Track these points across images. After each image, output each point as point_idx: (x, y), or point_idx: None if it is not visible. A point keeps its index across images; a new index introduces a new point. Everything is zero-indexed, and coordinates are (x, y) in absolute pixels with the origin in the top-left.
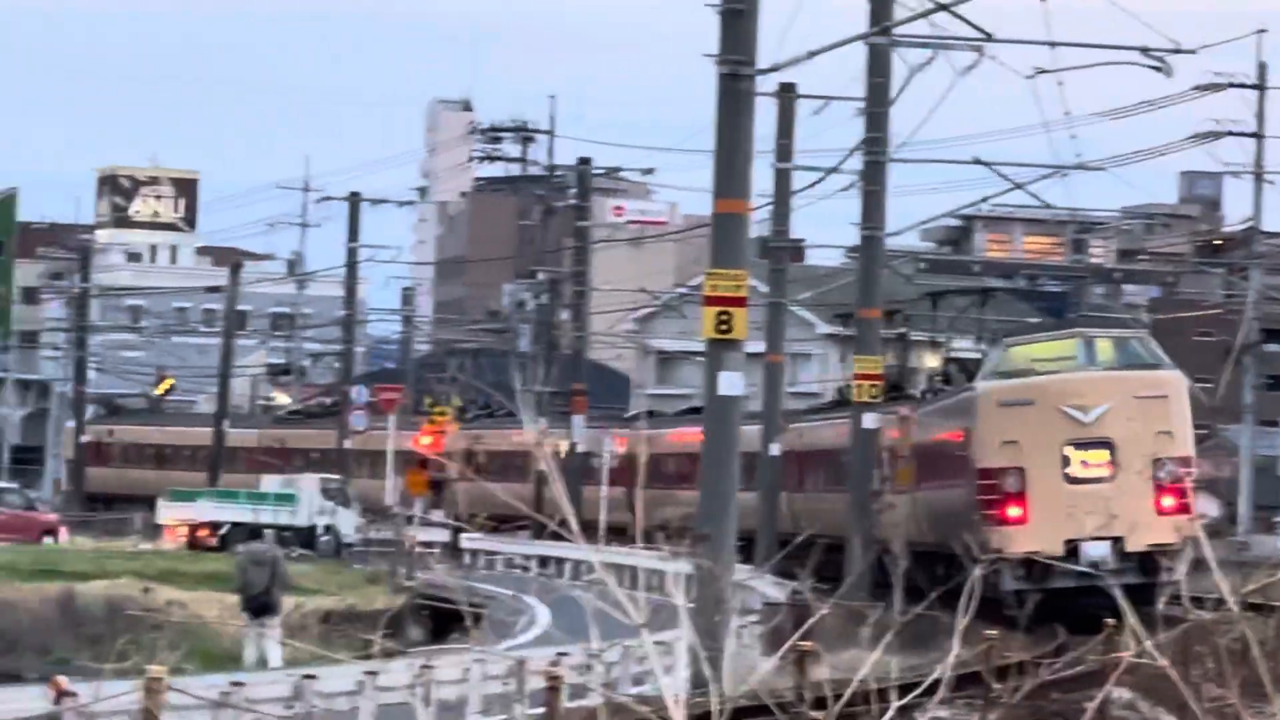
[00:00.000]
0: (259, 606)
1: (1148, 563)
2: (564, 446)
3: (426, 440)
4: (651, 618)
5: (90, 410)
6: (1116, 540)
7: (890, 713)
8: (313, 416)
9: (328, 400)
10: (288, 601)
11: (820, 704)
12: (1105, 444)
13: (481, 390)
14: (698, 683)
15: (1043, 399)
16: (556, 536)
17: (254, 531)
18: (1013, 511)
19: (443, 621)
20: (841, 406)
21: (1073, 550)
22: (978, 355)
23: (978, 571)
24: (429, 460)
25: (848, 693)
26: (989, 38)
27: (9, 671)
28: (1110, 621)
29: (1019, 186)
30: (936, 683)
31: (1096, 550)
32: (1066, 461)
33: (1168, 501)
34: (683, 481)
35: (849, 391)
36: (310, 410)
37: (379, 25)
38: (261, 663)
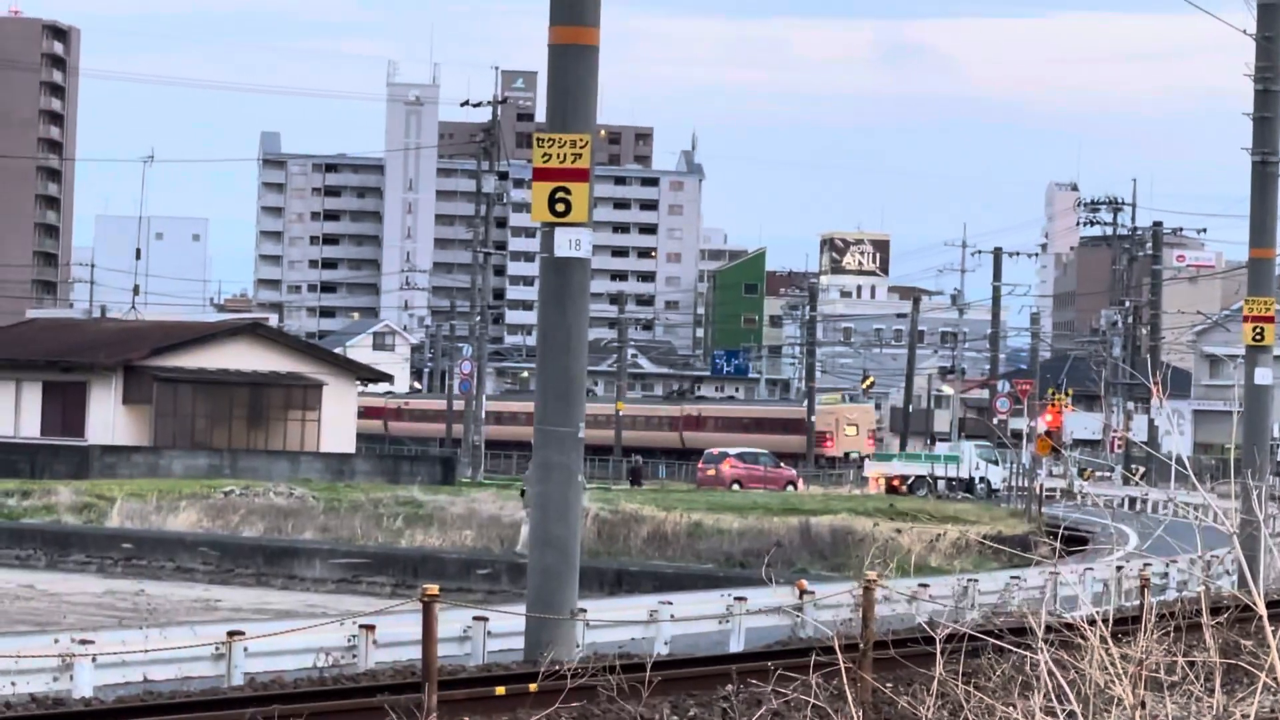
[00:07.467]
0: None
1: None
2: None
3: (1049, 418)
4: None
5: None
6: None
7: None
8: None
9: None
10: (955, 529)
11: None
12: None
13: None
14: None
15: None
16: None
17: (929, 481)
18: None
19: (1064, 542)
20: None
21: None
22: None
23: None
24: (1051, 431)
25: None
26: None
27: (759, 579)
28: None
29: None
30: None
31: None
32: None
33: None
34: None
35: None
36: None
37: (1011, 130)
38: None
